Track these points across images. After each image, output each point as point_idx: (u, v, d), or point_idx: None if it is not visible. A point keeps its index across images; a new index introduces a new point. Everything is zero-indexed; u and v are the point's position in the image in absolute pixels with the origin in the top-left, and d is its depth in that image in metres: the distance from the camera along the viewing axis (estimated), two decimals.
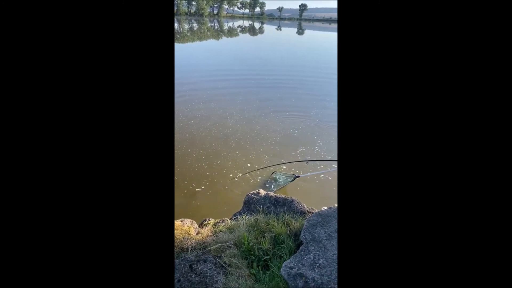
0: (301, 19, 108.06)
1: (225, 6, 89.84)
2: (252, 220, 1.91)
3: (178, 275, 1.41)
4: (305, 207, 2.14)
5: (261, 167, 3.52)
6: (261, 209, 2.09)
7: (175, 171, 3.37)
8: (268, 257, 1.55)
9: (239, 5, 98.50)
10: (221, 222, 2.08)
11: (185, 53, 13.60)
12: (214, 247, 1.62)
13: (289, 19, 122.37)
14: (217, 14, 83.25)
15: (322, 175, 3.48)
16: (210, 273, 1.42)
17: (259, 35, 33.13)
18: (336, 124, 4.88)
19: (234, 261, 1.51)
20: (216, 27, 39.89)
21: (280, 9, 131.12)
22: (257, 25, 55.65)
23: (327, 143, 4.40)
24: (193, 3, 73.26)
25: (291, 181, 3.30)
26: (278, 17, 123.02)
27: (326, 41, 26.67)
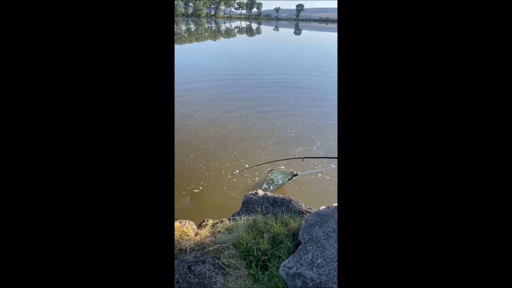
0: (298, 19, 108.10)
1: (222, 7, 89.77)
2: (250, 220, 1.91)
3: (176, 276, 1.41)
4: (303, 206, 2.14)
5: (260, 163, 3.54)
6: (259, 209, 2.10)
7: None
8: (267, 257, 1.55)
9: (236, 6, 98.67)
10: (219, 222, 2.08)
11: (183, 54, 13.60)
12: (212, 248, 1.62)
13: (286, 19, 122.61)
14: (214, 15, 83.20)
15: (320, 175, 3.49)
16: (208, 274, 1.42)
17: (257, 35, 33.17)
18: (334, 123, 4.94)
19: (233, 261, 1.51)
20: (213, 28, 39.92)
21: (277, 10, 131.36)
22: (254, 25, 55.72)
23: (325, 142, 4.41)
24: (190, 4, 73.22)
25: (289, 180, 3.30)
26: (275, 18, 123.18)
27: (324, 41, 26.74)
